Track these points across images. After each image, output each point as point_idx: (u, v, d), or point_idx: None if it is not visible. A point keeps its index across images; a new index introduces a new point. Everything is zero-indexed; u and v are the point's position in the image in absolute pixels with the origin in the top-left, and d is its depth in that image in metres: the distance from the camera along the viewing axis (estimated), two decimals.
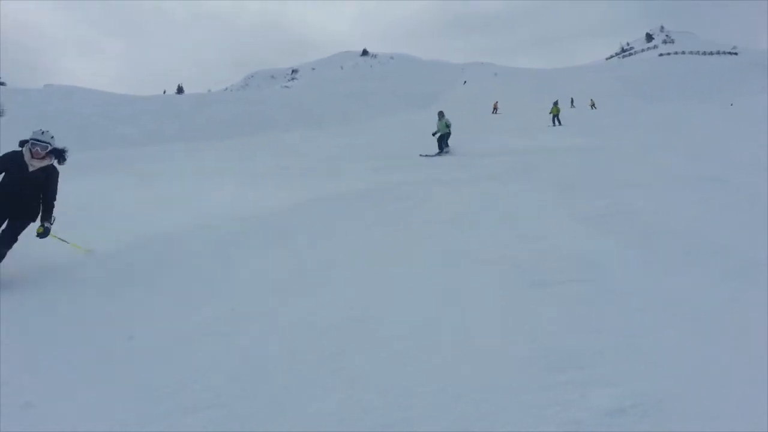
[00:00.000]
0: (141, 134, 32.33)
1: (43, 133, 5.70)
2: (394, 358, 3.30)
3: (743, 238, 5.40)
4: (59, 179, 5.84)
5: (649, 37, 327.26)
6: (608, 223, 6.46)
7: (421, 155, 17.87)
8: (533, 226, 6.64)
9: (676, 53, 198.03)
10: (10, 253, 5.44)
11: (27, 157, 5.58)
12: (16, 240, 5.50)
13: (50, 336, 3.95)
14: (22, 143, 5.73)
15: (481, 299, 4.27)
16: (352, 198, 9.39)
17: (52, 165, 5.78)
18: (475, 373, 3.06)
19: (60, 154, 5.85)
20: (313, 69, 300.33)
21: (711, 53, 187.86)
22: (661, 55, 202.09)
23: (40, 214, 5.70)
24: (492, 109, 46.95)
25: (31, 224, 5.67)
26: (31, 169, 5.57)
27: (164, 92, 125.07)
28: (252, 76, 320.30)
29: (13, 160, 5.60)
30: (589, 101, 49.73)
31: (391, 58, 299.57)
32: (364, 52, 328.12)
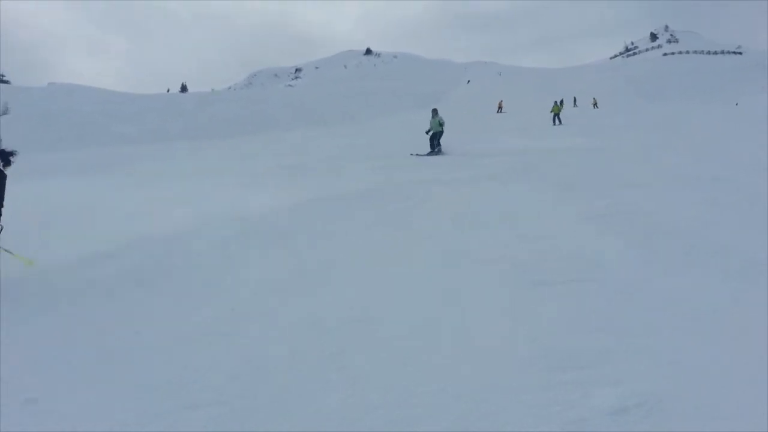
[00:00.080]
0: (144, 133, 32.38)
1: None
2: (395, 357, 3.31)
3: (744, 238, 5.41)
4: (6, 182, 5.49)
5: (654, 37, 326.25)
6: (609, 222, 6.46)
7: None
8: (534, 225, 6.64)
9: (680, 53, 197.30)
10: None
11: None
12: None
13: (51, 335, 3.96)
14: None
15: (481, 299, 4.27)
16: (353, 198, 9.39)
17: None
18: (476, 372, 3.07)
19: (5, 157, 5.61)
20: (317, 68, 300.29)
21: (715, 53, 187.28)
22: (665, 54, 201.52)
23: None
24: (497, 109, 46.94)
25: None
26: None
27: (168, 91, 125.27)
28: (255, 75, 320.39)
29: None
30: (592, 100, 49.68)
31: (395, 57, 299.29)
32: (368, 51, 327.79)
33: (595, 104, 48.49)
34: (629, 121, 27.96)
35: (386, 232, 6.75)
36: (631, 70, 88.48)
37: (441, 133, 18.65)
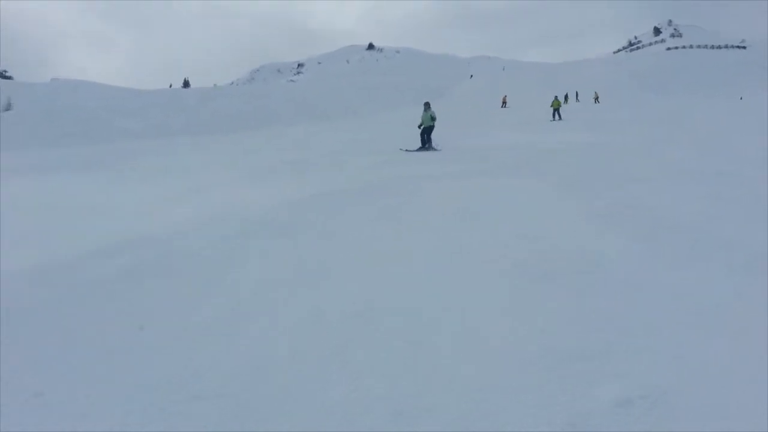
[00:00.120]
0: (147, 128, 32.43)
1: None
2: (398, 352, 3.31)
3: (748, 233, 5.40)
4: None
5: (657, 31, 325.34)
6: (612, 217, 6.45)
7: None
8: (538, 221, 6.63)
9: (684, 47, 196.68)
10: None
11: None
12: None
13: (53, 333, 3.97)
14: None
15: (485, 294, 4.27)
16: (355, 193, 9.38)
17: None
18: (479, 366, 3.08)
19: None
20: (319, 63, 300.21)
21: (719, 47, 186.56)
22: (668, 48, 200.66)
23: None
24: (501, 103, 46.93)
25: None
26: None
27: (170, 86, 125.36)
28: (258, 70, 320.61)
29: None
30: (594, 94, 49.60)
31: (397, 52, 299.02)
32: (370, 46, 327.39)
33: (596, 99, 48.40)
34: (632, 116, 27.92)
35: (389, 227, 6.75)
36: (634, 64, 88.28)
37: (432, 128, 17.88)
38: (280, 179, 11.68)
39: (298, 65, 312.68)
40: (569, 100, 48.50)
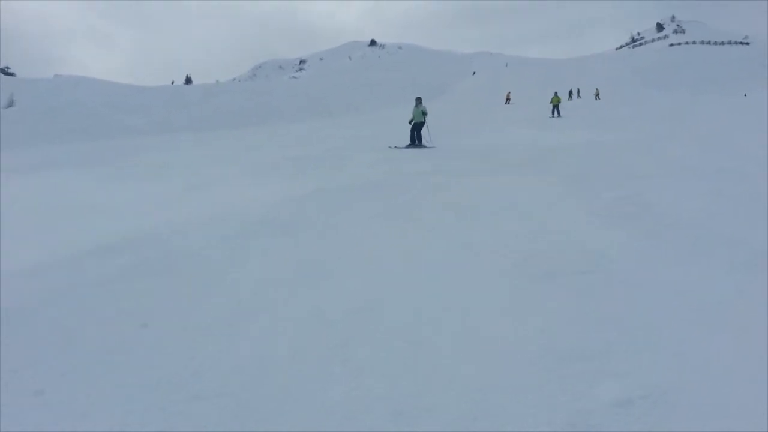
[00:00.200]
0: (149, 124, 32.45)
1: None
2: (400, 349, 3.32)
3: (749, 230, 5.39)
4: None
5: (660, 27, 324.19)
6: (614, 214, 6.45)
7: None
8: (538, 218, 6.63)
9: (686, 43, 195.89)
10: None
11: None
12: None
13: (56, 330, 3.97)
14: None
15: (486, 291, 4.27)
16: (357, 189, 9.39)
17: None
18: (482, 365, 3.08)
19: None
20: (321, 59, 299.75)
21: (722, 43, 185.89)
22: (671, 45, 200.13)
23: None
24: (505, 100, 46.85)
25: None
26: None
27: (172, 83, 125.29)
28: (260, 67, 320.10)
29: None
30: (594, 91, 49.47)
31: (400, 48, 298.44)
32: (372, 43, 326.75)
33: (597, 95, 48.27)
34: (634, 112, 27.86)
35: (391, 224, 6.75)
36: (636, 60, 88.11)
37: (423, 123, 17.42)
38: (282, 176, 11.68)
39: (300, 61, 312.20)
40: (573, 97, 48.42)
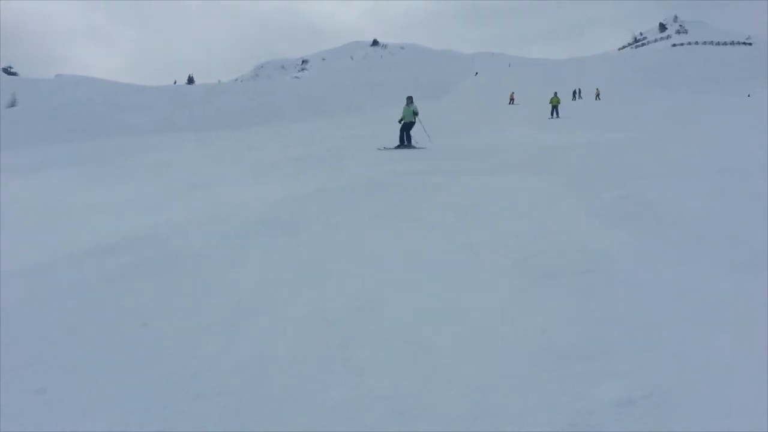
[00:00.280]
0: (151, 124, 32.48)
1: None
2: (400, 349, 3.32)
3: (750, 229, 5.38)
4: None
5: (663, 27, 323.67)
6: (616, 214, 6.44)
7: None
8: (540, 217, 6.63)
9: (689, 43, 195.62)
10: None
11: None
12: None
13: (60, 327, 3.98)
14: None
15: (487, 290, 4.27)
16: (358, 189, 9.39)
17: None
18: (486, 362, 3.08)
19: None
20: (324, 59, 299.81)
21: (725, 43, 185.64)
22: (674, 45, 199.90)
23: None
24: (508, 100, 46.79)
25: None
26: None
27: (174, 82, 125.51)
28: (262, 66, 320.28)
29: None
30: (595, 91, 49.37)
31: (402, 48, 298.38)
32: (374, 42, 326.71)
33: (597, 95, 48.18)
34: (635, 112, 27.84)
35: (391, 223, 6.76)
36: (639, 61, 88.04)
37: (412, 124, 17.09)
38: (283, 175, 11.69)
39: (303, 61, 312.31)
40: (576, 97, 48.37)
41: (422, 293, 4.27)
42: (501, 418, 2.55)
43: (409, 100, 17.48)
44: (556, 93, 33.07)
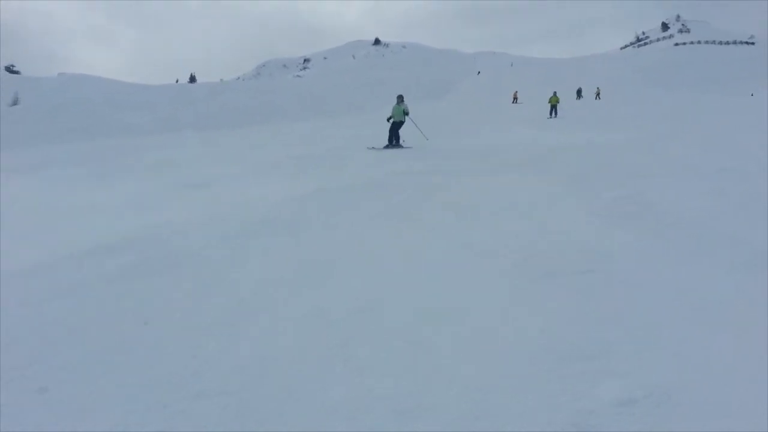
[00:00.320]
0: (153, 123, 32.44)
1: None
2: (400, 349, 3.32)
3: (750, 229, 5.39)
4: None
5: (665, 27, 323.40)
6: (616, 214, 6.44)
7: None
8: (540, 217, 6.63)
9: (692, 43, 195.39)
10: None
11: None
12: None
13: (61, 327, 3.99)
14: None
15: (487, 290, 4.27)
16: (358, 189, 9.40)
17: None
18: (486, 361, 3.09)
19: None
20: (325, 58, 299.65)
21: (727, 43, 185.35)
22: (676, 44, 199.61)
23: None
24: (512, 99, 46.66)
25: None
26: None
27: (177, 81, 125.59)
28: (264, 65, 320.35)
29: None
30: (595, 90, 49.24)
31: (404, 47, 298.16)
32: (376, 42, 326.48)
33: (597, 94, 48.07)
34: (637, 112, 27.78)
35: (391, 223, 6.76)
36: (641, 60, 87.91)
37: (401, 123, 16.80)
38: (284, 175, 11.69)
39: (304, 60, 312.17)
40: (580, 96, 48.27)
41: (422, 293, 4.27)
42: (501, 417, 2.55)
43: (400, 98, 17.19)
44: (555, 92, 32.97)
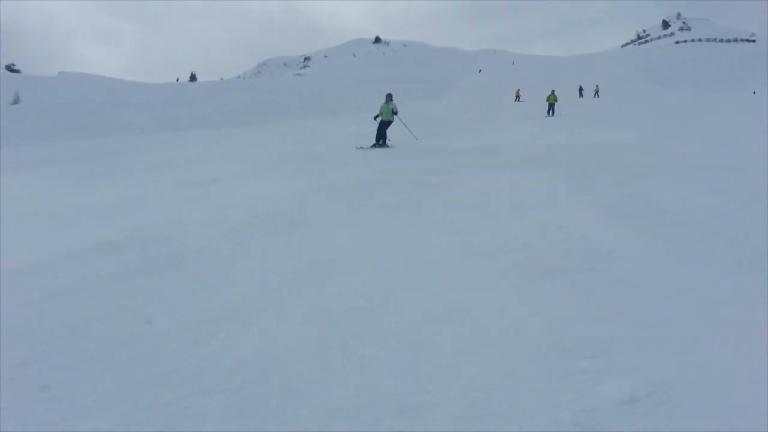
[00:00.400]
0: (154, 121, 32.45)
1: None
2: (404, 346, 3.33)
3: (753, 228, 5.40)
4: None
5: (666, 24, 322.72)
6: (619, 212, 6.45)
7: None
8: (544, 216, 6.63)
9: (692, 41, 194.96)
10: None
11: None
12: None
13: (63, 324, 3.99)
14: None
15: (493, 288, 4.29)
16: (357, 188, 9.40)
17: None
18: (488, 360, 3.09)
19: None
20: (326, 56, 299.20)
21: (728, 41, 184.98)
22: (677, 42, 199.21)
23: None
24: (514, 97, 46.62)
25: None
26: None
27: (177, 80, 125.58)
28: (265, 64, 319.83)
29: None
30: (595, 87, 49.21)
31: (404, 45, 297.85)
32: (377, 40, 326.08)
33: (596, 92, 48.05)
34: (637, 111, 27.79)
35: (392, 222, 6.76)
36: (642, 58, 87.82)
37: (389, 123, 16.60)
38: (284, 173, 11.69)
39: (305, 59, 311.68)
40: (583, 94, 48.25)
41: (423, 292, 4.27)
42: (503, 416, 2.55)
43: (389, 97, 16.96)
44: (553, 91, 32.89)
